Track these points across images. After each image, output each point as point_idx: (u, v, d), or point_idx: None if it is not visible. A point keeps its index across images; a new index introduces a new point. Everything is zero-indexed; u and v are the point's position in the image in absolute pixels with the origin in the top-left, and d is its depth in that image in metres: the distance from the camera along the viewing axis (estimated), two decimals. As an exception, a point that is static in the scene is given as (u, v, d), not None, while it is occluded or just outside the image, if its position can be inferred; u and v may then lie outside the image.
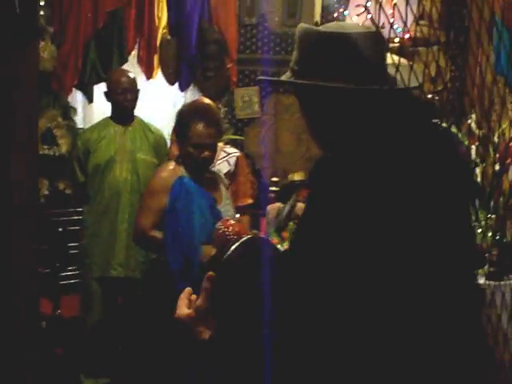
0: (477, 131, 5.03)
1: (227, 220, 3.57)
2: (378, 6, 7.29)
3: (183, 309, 2.03)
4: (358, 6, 7.06)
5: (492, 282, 4.91)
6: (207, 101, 4.39)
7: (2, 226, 1.26)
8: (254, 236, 2.36)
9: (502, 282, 4.93)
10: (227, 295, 2.07)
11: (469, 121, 5.07)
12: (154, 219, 4.11)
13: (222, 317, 2.04)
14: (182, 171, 4.14)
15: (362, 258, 1.84)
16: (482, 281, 4.83)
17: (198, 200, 4.02)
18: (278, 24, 7.52)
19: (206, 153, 4.16)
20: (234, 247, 2.17)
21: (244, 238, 2.26)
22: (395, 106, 2.06)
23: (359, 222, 1.85)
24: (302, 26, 2.12)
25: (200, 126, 4.11)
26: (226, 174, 4.94)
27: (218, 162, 5.51)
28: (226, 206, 4.26)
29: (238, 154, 5.52)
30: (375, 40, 2.05)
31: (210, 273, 2.05)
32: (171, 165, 4.24)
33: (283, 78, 2.18)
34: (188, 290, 2.09)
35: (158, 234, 4.11)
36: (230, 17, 7.37)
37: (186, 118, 4.15)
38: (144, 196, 4.41)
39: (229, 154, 5.53)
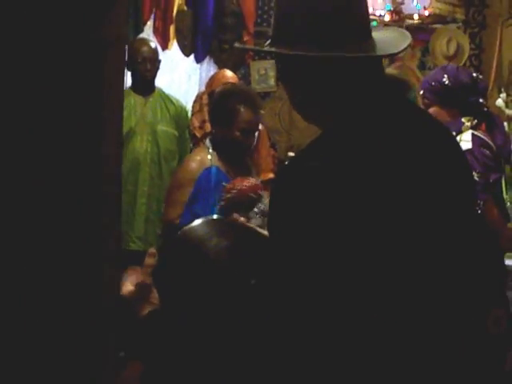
0: (506, 111, 4.95)
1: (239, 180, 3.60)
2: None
3: (127, 286, 2.00)
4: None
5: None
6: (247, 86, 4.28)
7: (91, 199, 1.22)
8: (220, 218, 2.35)
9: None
10: (174, 270, 2.07)
11: (498, 100, 4.99)
12: (181, 211, 4.00)
13: (163, 293, 2.03)
14: (210, 160, 4.05)
15: (361, 250, 1.76)
16: (509, 262, 4.75)
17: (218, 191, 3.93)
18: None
19: (252, 138, 4.13)
20: (195, 223, 2.17)
21: (209, 217, 2.26)
22: (368, 74, 1.96)
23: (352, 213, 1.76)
24: None
25: (249, 112, 4.04)
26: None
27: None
28: None
29: (259, 127, 5.45)
30: (353, 2, 1.93)
31: (152, 249, 2.06)
32: (200, 154, 4.17)
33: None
34: (134, 269, 2.07)
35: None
36: (248, -11, 7.27)
37: (232, 102, 4.05)
38: (170, 188, 4.33)
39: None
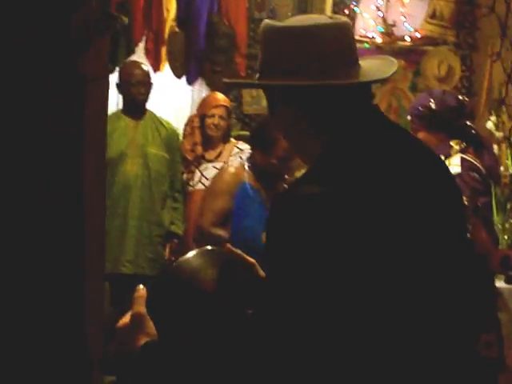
0: (496, 133, 4.96)
1: None
2: (388, 4, 7.26)
3: (124, 318, 1.97)
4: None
5: (510, 286, 4.87)
6: None
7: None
8: (217, 248, 2.37)
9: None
10: (169, 300, 2.05)
11: (488, 123, 5.00)
12: (214, 219, 4.29)
13: (159, 324, 1.99)
14: (244, 176, 4.29)
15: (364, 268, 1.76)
16: (499, 284, 4.77)
17: (257, 205, 4.25)
18: (288, 19, 7.42)
19: (287, 165, 4.39)
20: (190, 254, 2.17)
21: (204, 248, 2.26)
22: (362, 99, 1.98)
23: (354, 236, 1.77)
24: (265, 22, 2.02)
25: (284, 143, 4.18)
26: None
27: (231, 158, 5.49)
28: None
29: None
30: (339, 31, 1.95)
31: (140, 285, 2.00)
32: (233, 168, 4.41)
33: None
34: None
35: (219, 232, 4.26)
36: (240, 10, 7.27)
37: (271, 130, 4.19)
38: (206, 197, 4.54)
39: (242, 150, 5.52)
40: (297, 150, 2.14)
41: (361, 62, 2.04)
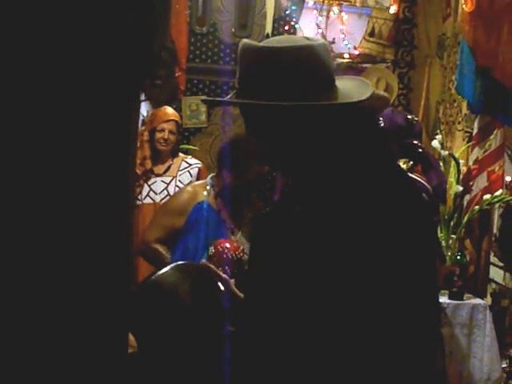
0: (442, 152, 5.08)
1: (223, 241, 3.60)
2: (328, 22, 7.37)
3: None
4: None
5: (453, 301, 4.99)
6: None
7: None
8: (190, 262, 2.41)
9: (461, 302, 5.01)
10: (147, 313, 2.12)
11: (434, 141, 5.12)
12: (161, 235, 4.12)
13: (140, 337, 2.07)
14: (204, 195, 4.11)
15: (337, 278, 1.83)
16: (442, 300, 4.88)
17: (212, 226, 4.10)
18: (228, 34, 7.47)
19: (251, 189, 4.26)
20: (166, 269, 2.21)
21: (179, 263, 2.31)
22: (341, 121, 2.02)
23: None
24: (244, 42, 2.05)
25: (257, 166, 4.10)
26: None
27: (180, 172, 5.48)
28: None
29: (199, 165, 5.53)
30: (318, 52, 1.98)
31: None
32: (195, 187, 4.22)
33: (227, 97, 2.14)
34: None
35: (161, 249, 4.11)
36: (181, 25, 7.25)
37: (247, 155, 4.03)
38: (157, 211, 4.40)
39: (190, 164, 5.52)
40: (274, 166, 2.17)
41: (337, 83, 2.07)
